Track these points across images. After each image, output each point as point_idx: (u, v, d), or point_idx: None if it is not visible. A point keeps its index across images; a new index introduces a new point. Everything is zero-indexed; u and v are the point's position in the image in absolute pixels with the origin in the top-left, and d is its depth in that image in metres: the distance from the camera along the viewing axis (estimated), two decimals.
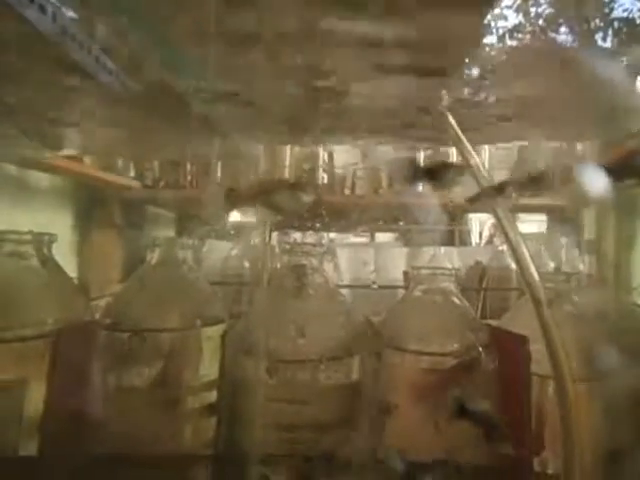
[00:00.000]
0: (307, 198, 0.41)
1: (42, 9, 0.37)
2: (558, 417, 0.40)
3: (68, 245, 1.13)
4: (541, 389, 0.44)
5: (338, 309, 0.52)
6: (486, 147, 1.24)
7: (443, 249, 1.39)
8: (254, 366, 0.43)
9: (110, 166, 1.22)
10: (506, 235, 0.33)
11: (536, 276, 0.32)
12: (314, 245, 0.63)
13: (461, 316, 0.50)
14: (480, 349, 0.47)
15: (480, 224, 2.36)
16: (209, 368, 0.46)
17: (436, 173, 0.38)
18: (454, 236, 1.95)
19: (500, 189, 0.36)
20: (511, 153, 1.46)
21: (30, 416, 0.40)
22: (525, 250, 0.32)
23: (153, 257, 0.51)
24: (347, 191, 1.38)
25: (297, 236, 1.60)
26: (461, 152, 0.38)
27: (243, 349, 0.45)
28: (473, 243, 2.15)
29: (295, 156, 1.35)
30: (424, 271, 0.54)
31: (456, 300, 0.52)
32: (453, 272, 0.54)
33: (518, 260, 0.32)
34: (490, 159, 1.46)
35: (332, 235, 2.29)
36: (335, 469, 0.45)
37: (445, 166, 0.38)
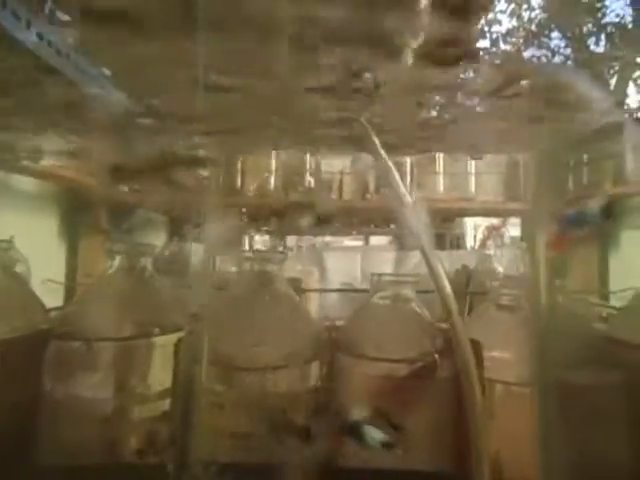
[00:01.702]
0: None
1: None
2: (506, 419, 0.40)
3: (55, 250, 1.13)
4: (491, 393, 0.44)
5: (297, 316, 0.52)
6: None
7: None
8: (207, 374, 0.43)
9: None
10: (422, 248, 0.33)
11: (448, 288, 0.32)
12: (281, 252, 0.63)
13: (418, 323, 0.50)
14: (436, 355, 0.47)
15: (475, 227, 2.35)
16: (162, 376, 0.46)
17: None
18: (445, 240, 1.94)
19: None
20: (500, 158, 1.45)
21: None
22: (438, 262, 0.32)
23: (112, 265, 0.51)
24: (334, 196, 1.38)
25: (263, 240, 1.61)
26: (381, 165, 0.37)
27: (197, 356, 0.45)
28: (468, 246, 2.14)
29: (281, 162, 1.36)
30: (385, 278, 0.54)
31: (415, 307, 0.51)
32: (414, 279, 0.54)
33: (432, 272, 0.32)
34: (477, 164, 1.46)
35: (327, 239, 2.29)
36: (290, 475, 0.45)
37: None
